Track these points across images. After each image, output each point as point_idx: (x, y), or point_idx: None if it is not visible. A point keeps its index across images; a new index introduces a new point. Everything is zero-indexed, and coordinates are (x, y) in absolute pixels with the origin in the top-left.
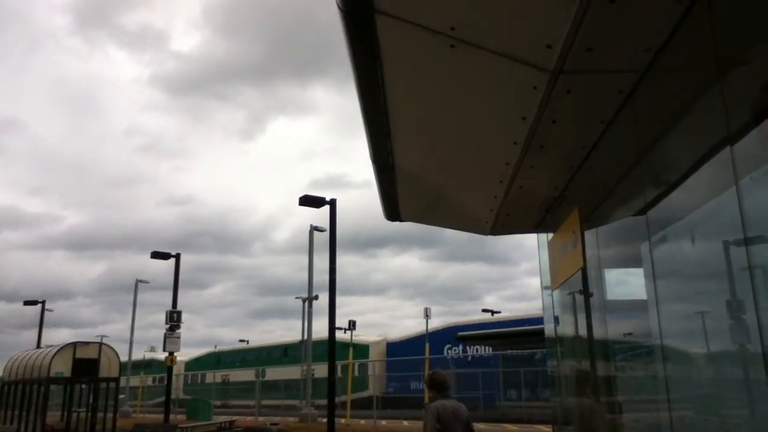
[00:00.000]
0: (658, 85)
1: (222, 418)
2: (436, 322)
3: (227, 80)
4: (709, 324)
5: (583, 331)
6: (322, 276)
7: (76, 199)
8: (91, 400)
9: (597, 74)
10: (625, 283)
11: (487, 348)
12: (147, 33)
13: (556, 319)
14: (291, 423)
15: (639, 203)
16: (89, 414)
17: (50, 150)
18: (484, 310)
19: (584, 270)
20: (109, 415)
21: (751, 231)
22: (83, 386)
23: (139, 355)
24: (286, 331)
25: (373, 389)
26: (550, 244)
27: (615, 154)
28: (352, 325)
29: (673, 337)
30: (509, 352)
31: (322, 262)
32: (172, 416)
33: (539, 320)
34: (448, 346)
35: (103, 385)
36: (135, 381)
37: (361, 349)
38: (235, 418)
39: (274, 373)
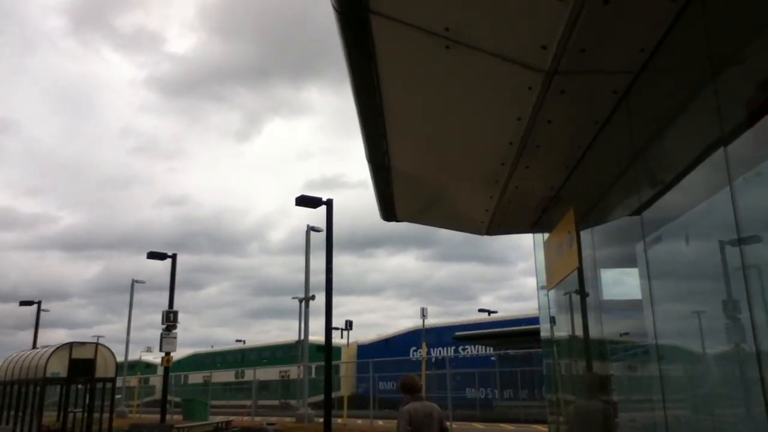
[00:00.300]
0: (653, 85)
1: (218, 418)
2: (432, 322)
3: (223, 81)
4: (703, 323)
5: (578, 331)
6: (318, 276)
7: (72, 200)
8: (87, 401)
9: (592, 75)
10: (621, 282)
11: (448, 349)
12: (142, 35)
13: (552, 319)
14: (288, 423)
15: (634, 203)
16: (85, 414)
17: (46, 151)
18: (481, 310)
19: (580, 270)
20: (106, 415)
21: (744, 231)
22: (79, 386)
23: (135, 355)
24: (282, 332)
25: (344, 389)
26: (546, 244)
27: (610, 154)
28: (348, 325)
29: (668, 337)
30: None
31: (318, 263)
32: (168, 416)
33: (528, 321)
34: (413, 348)
35: (99, 385)
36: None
37: (335, 352)
38: (231, 418)
39: (251, 374)
